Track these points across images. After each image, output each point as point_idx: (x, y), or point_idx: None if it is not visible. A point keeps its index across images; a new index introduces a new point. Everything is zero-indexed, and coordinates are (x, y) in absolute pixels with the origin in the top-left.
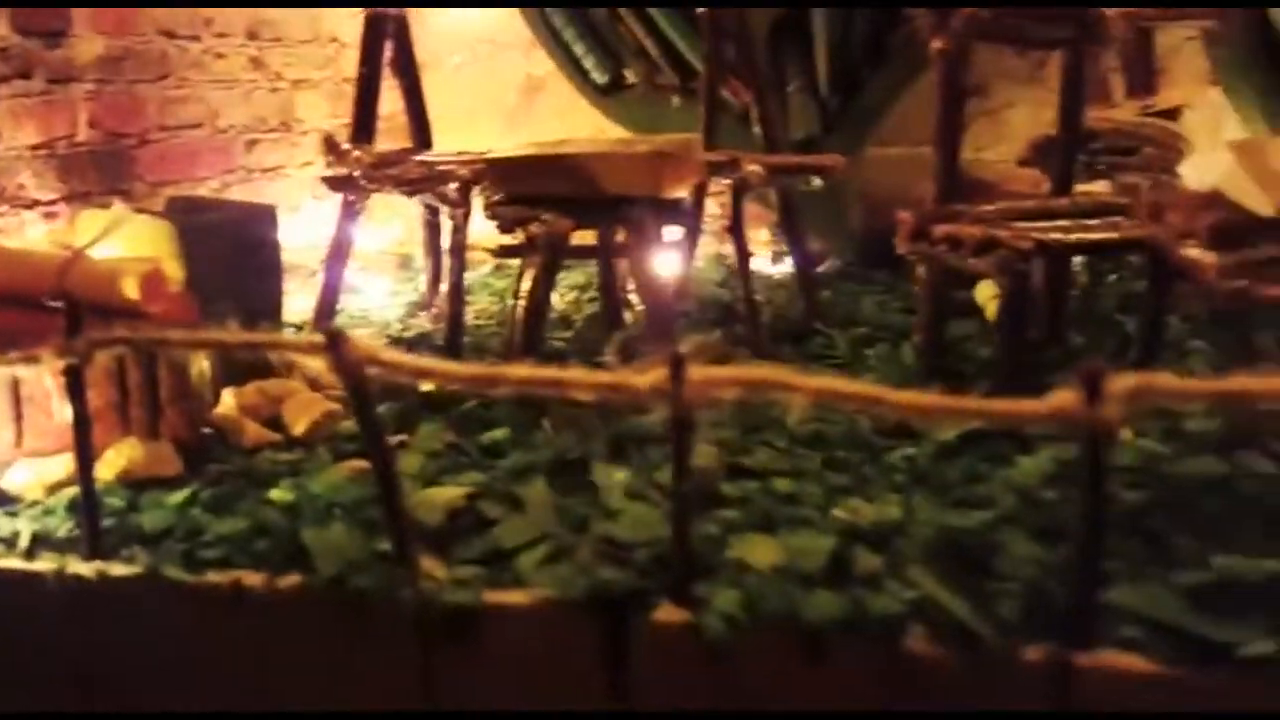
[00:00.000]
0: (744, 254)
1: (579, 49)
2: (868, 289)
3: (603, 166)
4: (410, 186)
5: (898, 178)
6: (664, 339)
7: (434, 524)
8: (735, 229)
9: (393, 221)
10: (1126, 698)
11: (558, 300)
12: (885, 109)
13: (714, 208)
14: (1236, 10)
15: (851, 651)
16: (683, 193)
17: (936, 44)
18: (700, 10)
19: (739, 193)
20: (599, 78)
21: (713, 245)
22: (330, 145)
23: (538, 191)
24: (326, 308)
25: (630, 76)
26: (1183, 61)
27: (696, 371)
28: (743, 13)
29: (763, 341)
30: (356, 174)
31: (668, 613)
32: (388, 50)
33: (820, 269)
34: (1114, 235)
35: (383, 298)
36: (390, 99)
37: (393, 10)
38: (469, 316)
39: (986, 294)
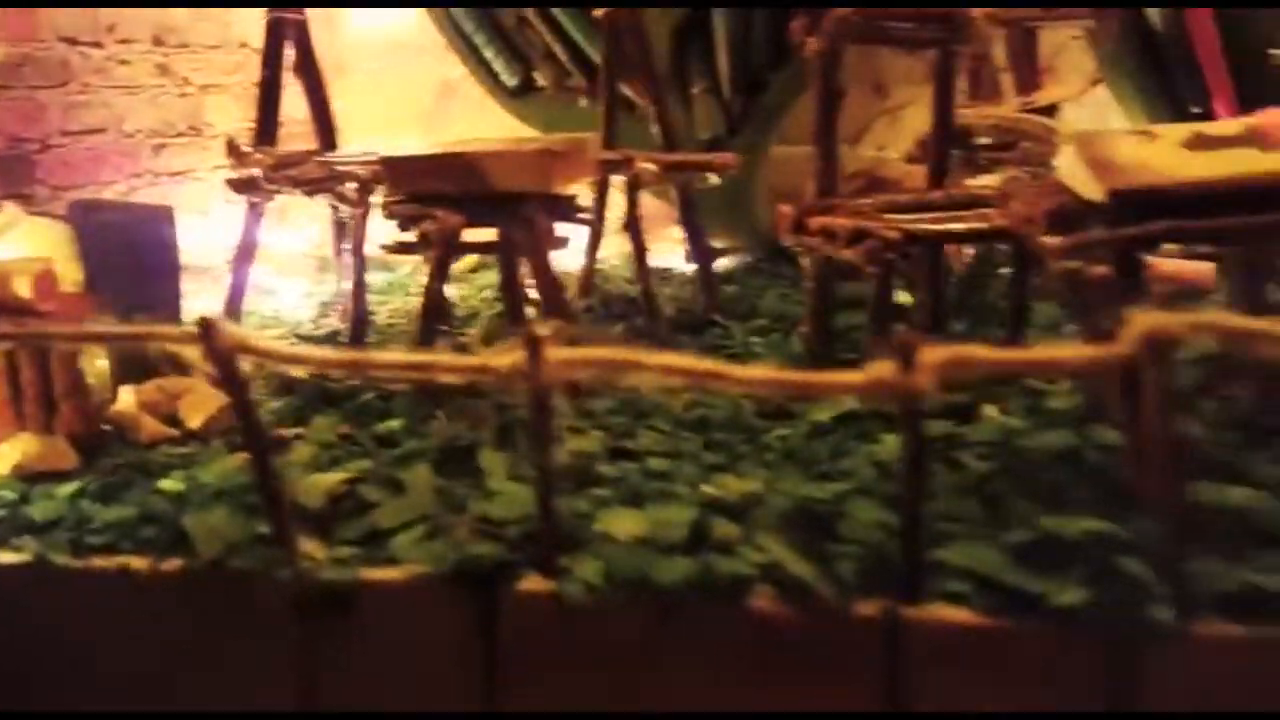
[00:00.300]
0: (640, 249)
1: (488, 53)
2: (773, 282)
3: (492, 164)
4: (309, 187)
5: (801, 175)
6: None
7: (315, 508)
8: (631, 225)
9: (312, 223)
10: (950, 645)
11: (471, 297)
12: (787, 109)
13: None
14: (1115, 10)
15: (701, 611)
16: (574, 190)
17: (810, 46)
18: (597, 13)
19: (633, 190)
20: (508, 80)
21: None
22: (231, 149)
23: (431, 190)
24: (233, 308)
25: (540, 79)
26: (1071, 59)
27: (553, 353)
28: (637, 14)
29: (660, 333)
30: (259, 176)
31: (533, 583)
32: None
33: (725, 263)
34: (979, 225)
35: (298, 299)
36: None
37: (291, 15)
38: (384, 315)
39: None
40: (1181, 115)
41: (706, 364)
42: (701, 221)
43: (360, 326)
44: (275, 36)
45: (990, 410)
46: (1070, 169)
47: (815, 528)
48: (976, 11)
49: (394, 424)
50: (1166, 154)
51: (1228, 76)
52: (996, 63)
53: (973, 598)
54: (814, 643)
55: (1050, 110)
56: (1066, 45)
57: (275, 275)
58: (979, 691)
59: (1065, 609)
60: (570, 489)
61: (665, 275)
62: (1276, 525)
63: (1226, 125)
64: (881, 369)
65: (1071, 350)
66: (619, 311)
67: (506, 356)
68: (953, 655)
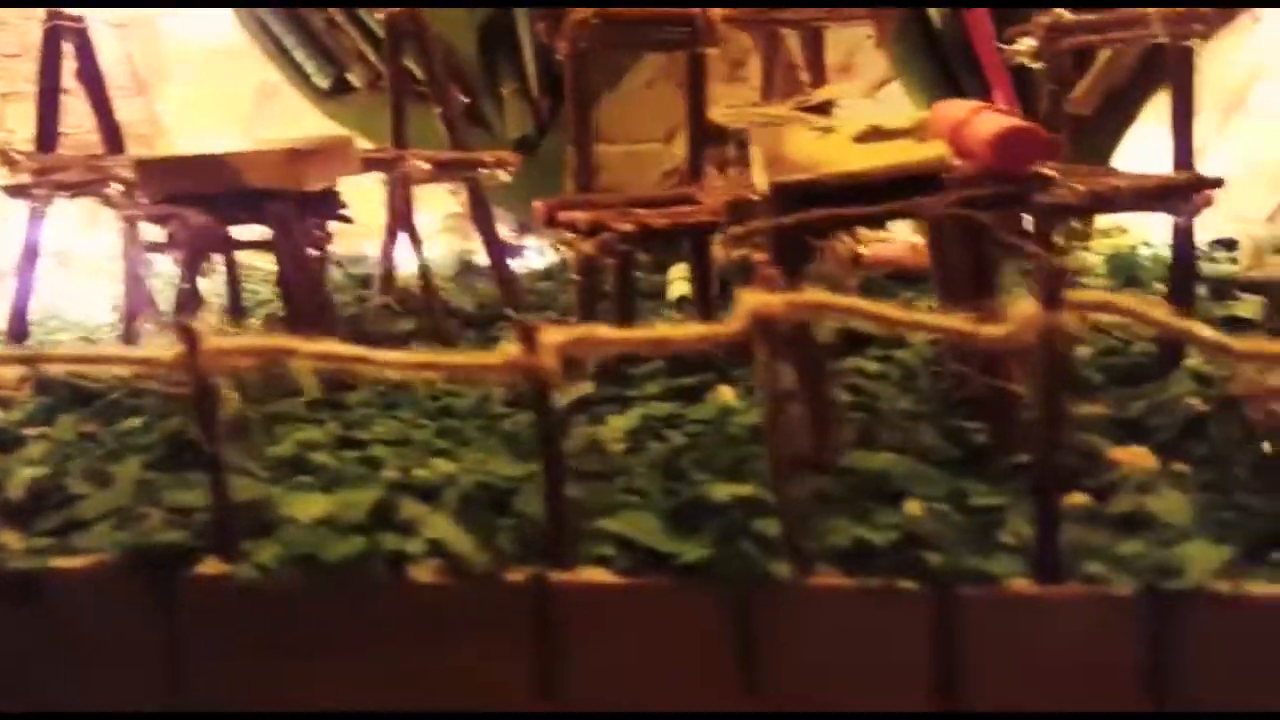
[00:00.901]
0: (417, 244)
1: (299, 54)
2: None
3: (242, 163)
4: (72, 190)
5: (618, 173)
6: (309, 327)
7: (16, 500)
8: (406, 222)
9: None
10: (593, 604)
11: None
12: (595, 109)
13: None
14: (891, 10)
15: (368, 585)
16: (330, 187)
17: (560, 49)
18: (377, 15)
19: (404, 187)
20: (321, 82)
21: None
22: (3, 156)
23: (186, 190)
24: (19, 311)
25: (354, 80)
26: (866, 58)
27: (211, 343)
28: (419, 16)
29: (442, 327)
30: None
31: (210, 566)
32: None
33: (550, 259)
34: (701, 218)
35: (104, 301)
36: (124, 108)
37: (70, 22)
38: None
39: (675, 275)
40: None
41: (353, 350)
42: (523, 217)
43: (132, 325)
44: (53, 43)
45: (726, 391)
46: (755, 163)
47: (493, 503)
48: (717, 13)
49: (136, 421)
50: (832, 148)
51: (1006, 72)
52: (796, 60)
53: (618, 560)
54: (470, 611)
55: (824, 108)
56: (861, 44)
57: (84, 278)
58: (618, 645)
59: (690, 565)
60: (284, 477)
61: (485, 271)
62: (902, 486)
63: (903, 118)
64: (510, 352)
65: (684, 329)
66: (415, 308)
67: (168, 349)
68: (594, 613)
